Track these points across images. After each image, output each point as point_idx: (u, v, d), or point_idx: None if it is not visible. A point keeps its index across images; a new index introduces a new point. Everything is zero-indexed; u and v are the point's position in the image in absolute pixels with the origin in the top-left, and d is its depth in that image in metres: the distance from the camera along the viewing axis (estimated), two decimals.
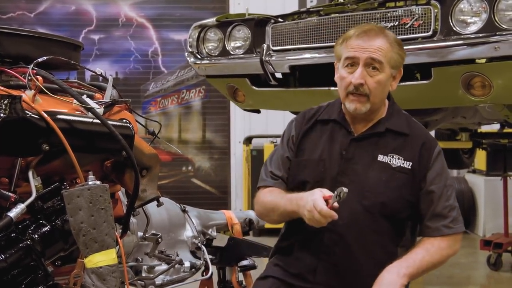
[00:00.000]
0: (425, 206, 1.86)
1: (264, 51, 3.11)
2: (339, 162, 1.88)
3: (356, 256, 1.83)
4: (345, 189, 1.64)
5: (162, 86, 7.27)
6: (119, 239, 1.60)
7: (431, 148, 1.88)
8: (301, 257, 1.88)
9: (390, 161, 1.85)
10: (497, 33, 2.44)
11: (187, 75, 7.18)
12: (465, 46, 2.52)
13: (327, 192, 1.72)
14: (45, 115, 1.49)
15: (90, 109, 1.61)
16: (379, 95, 1.85)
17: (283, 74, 3.23)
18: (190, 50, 3.48)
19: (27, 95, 1.53)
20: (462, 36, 2.53)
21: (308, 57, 2.99)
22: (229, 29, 3.33)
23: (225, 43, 3.35)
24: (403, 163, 1.84)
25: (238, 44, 3.33)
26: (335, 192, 1.66)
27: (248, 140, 6.82)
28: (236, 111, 6.90)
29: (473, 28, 2.52)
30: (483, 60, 2.54)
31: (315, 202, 1.69)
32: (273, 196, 1.91)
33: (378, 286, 1.75)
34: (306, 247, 1.88)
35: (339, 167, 1.87)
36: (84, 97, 1.67)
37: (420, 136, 1.90)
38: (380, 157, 1.86)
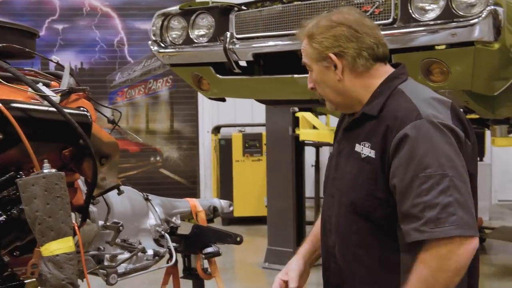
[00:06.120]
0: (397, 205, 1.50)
1: (228, 39, 3.10)
2: (336, 156, 1.70)
3: (347, 259, 1.62)
4: None
5: (128, 76, 7.20)
6: (76, 227, 1.59)
7: (395, 130, 1.47)
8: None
9: (361, 150, 1.56)
10: (454, 20, 2.48)
11: (154, 65, 7.13)
12: (424, 33, 2.55)
13: (291, 276, 1.73)
14: None
15: (45, 97, 1.59)
16: (327, 91, 1.64)
17: (247, 62, 3.24)
18: (154, 38, 3.44)
19: None
20: (421, 23, 2.57)
21: (272, 45, 3.00)
22: (193, 17, 3.31)
23: (189, 31, 3.33)
24: (369, 152, 1.53)
25: (202, 32, 3.32)
26: None
27: (216, 130, 6.81)
28: (204, 101, 6.90)
29: (432, 15, 2.56)
30: (443, 47, 2.58)
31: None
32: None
33: None
34: (321, 246, 1.78)
35: (335, 161, 1.70)
36: (40, 85, 1.65)
37: (387, 117, 1.51)
38: (356, 147, 1.58)
